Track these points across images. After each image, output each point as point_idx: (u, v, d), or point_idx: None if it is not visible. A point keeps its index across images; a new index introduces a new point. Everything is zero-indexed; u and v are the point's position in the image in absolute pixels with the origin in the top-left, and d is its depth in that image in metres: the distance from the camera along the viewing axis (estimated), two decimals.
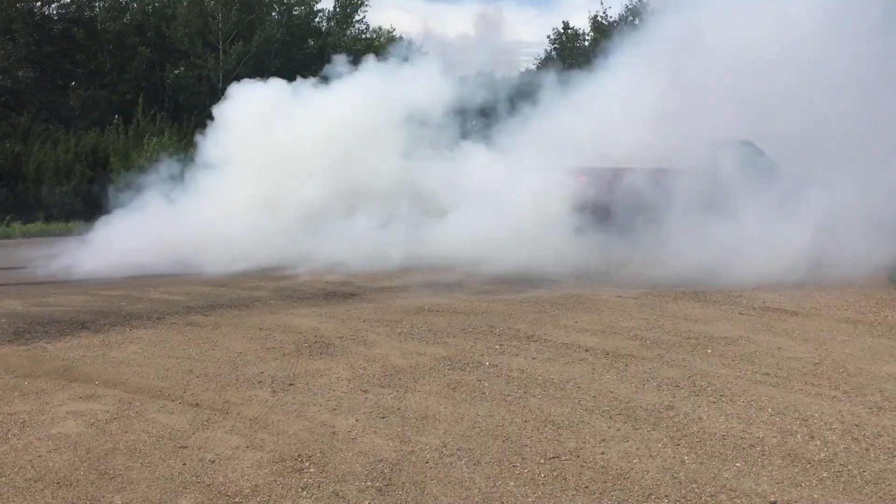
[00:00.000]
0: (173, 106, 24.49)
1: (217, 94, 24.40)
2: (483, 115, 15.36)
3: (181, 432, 4.59)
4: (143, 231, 11.13)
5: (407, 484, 3.93)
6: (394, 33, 41.59)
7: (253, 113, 12.89)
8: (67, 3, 24.81)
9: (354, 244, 10.94)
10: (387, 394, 5.27)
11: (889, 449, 4.36)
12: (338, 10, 28.28)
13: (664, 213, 10.97)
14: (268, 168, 12.27)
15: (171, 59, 24.50)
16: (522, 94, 14.97)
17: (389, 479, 3.97)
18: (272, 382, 5.48)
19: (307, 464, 4.15)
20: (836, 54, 11.57)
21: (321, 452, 4.30)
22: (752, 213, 10.37)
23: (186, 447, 4.38)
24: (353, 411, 4.94)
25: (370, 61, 14.42)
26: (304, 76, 26.13)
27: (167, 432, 4.59)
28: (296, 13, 26.36)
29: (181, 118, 23.20)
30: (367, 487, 3.89)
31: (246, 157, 12.37)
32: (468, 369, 5.83)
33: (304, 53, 26.12)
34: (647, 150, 12.33)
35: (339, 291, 8.65)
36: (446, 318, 7.44)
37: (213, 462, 4.18)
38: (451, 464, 4.18)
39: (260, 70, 25.33)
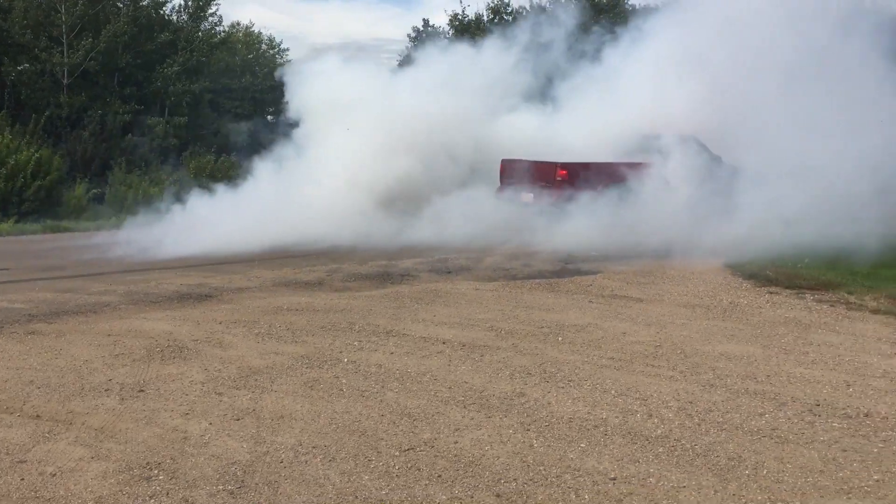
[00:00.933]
0: (14, 104, 23.00)
1: (62, 91, 23.14)
2: None
3: (20, 446, 4.37)
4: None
5: (260, 485, 3.91)
6: (252, 28, 40.69)
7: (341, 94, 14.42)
8: None
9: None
10: (242, 395, 5.20)
11: (719, 423, 4.70)
12: (189, 2, 27.36)
13: (621, 201, 12.38)
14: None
15: (11, 54, 22.98)
16: None
17: (242, 482, 3.94)
18: (121, 390, 5.29)
19: (156, 471, 4.05)
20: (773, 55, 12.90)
21: (171, 459, 4.20)
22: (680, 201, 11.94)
23: (25, 461, 4.18)
24: (207, 415, 4.84)
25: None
26: (158, 69, 25.11)
27: (4, 447, 4.35)
28: (143, 3, 25.28)
29: (24, 116, 21.80)
30: (219, 491, 3.84)
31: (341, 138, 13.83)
32: (326, 367, 5.83)
33: (155, 45, 25.12)
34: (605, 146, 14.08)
35: (194, 293, 8.42)
36: (305, 316, 7.40)
37: (53, 475, 4.01)
38: (307, 462, 4.19)
39: (109, 65, 24.16)
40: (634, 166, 13.52)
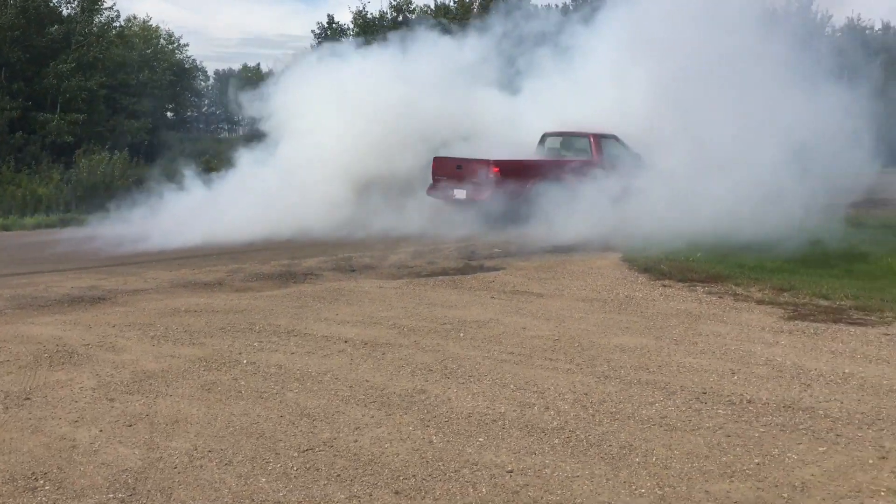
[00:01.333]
0: None
1: None
2: None
3: None
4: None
5: (153, 492, 3.81)
6: (150, 23, 39.46)
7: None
8: None
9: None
10: (135, 400, 5.06)
11: (611, 413, 4.85)
12: None
13: (548, 197, 13.03)
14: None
15: None
16: None
17: (134, 489, 3.83)
18: (5, 398, 5.06)
19: (42, 481, 3.90)
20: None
21: (58, 468, 4.05)
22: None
23: None
24: (97, 422, 4.69)
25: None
26: (51, 64, 24.06)
27: None
28: None
29: None
30: (109, 500, 3.73)
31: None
32: (225, 369, 5.73)
33: (46, 39, 24.12)
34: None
35: (86, 296, 8.12)
36: (204, 317, 7.24)
37: None
38: (202, 466, 4.11)
39: None
40: (563, 163, 14.31)
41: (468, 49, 16.67)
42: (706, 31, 13.77)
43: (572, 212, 12.61)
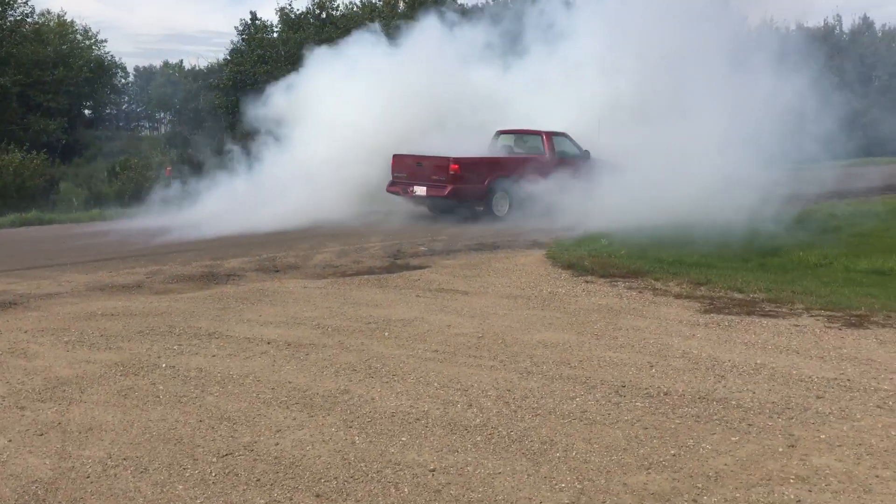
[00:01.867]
0: None
1: None
2: None
3: None
4: None
5: (63, 502, 3.69)
6: (65, 18, 38.19)
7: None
8: None
9: None
10: (47, 408, 4.89)
11: (533, 409, 4.91)
12: None
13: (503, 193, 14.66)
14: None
15: None
16: None
17: (44, 500, 3.71)
18: None
19: None
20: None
21: None
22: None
23: None
24: (6, 431, 4.53)
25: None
26: None
27: None
28: None
29: None
30: None
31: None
32: (142, 373, 5.59)
33: None
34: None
35: None
36: (122, 321, 7.05)
37: None
38: (116, 475, 4.00)
39: None
40: (518, 160, 15.43)
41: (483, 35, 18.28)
42: (666, 25, 15.19)
43: (531, 205, 14.14)
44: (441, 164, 14.35)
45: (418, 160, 14.88)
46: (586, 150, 15.68)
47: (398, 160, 15.18)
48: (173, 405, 4.97)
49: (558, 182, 14.31)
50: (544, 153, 15.56)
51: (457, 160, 14.31)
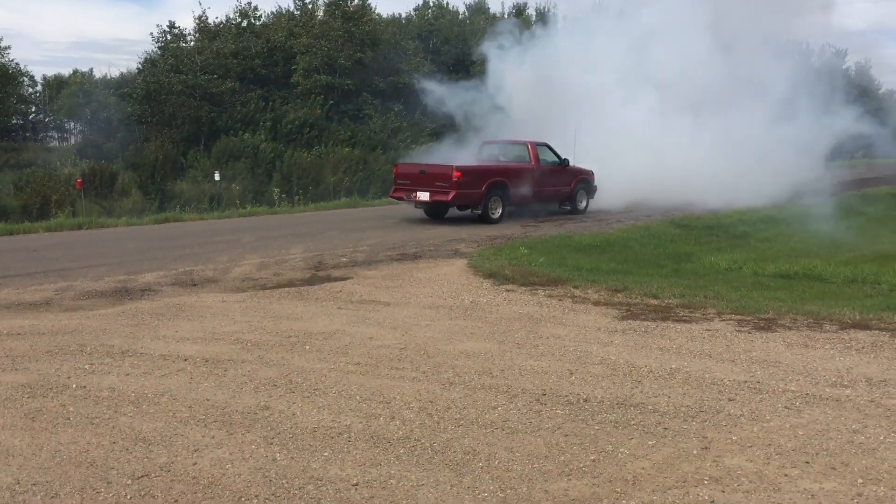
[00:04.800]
0: None
1: None
2: None
3: None
4: None
5: None
6: None
7: None
8: None
9: None
10: None
11: (456, 419, 4.93)
12: None
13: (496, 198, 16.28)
14: None
15: None
16: None
17: None
18: None
19: None
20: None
21: None
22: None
23: None
24: None
25: None
26: None
27: None
28: None
29: None
30: None
31: None
32: (51, 395, 5.38)
33: None
34: None
35: None
36: (28, 340, 6.77)
37: None
38: (25, 501, 3.85)
39: None
40: (509, 168, 16.94)
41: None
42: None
43: (520, 208, 17.17)
44: (444, 171, 15.75)
45: (420, 168, 16.41)
46: (566, 159, 17.62)
47: (401, 168, 16.85)
48: (85, 427, 4.80)
49: (537, 184, 16.96)
50: (530, 161, 17.16)
51: (459, 168, 15.70)
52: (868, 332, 6.98)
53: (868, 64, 45.85)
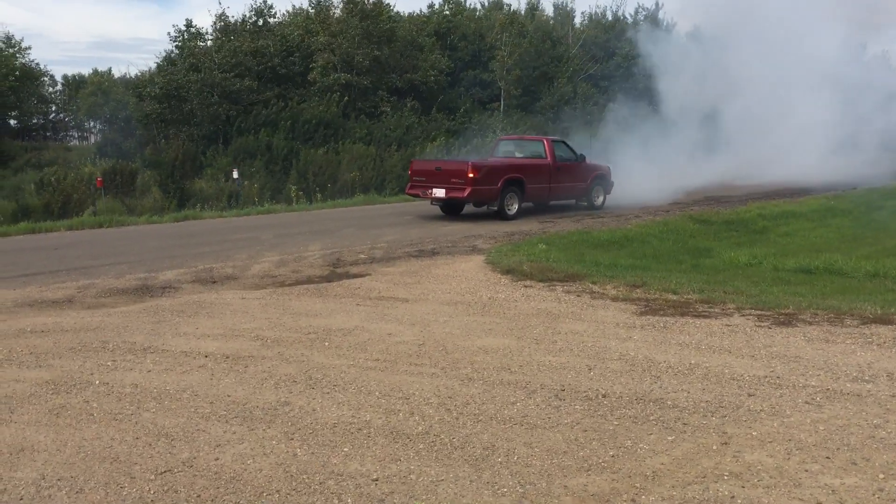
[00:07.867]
0: None
1: None
2: None
3: None
4: None
5: None
6: None
7: None
8: None
9: None
10: None
11: (475, 415, 4.94)
12: None
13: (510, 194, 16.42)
14: None
15: None
16: None
17: None
18: None
19: None
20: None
21: None
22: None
23: None
24: None
25: None
26: None
27: None
28: None
29: None
30: None
31: None
32: (75, 391, 5.45)
33: None
34: None
35: None
36: (52, 338, 6.86)
37: None
38: (50, 496, 3.90)
39: None
40: (525, 164, 17.13)
41: None
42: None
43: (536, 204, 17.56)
44: (460, 168, 16.01)
45: (436, 165, 16.76)
46: (582, 154, 17.97)
47: (417, 165, 17.15)
48: (108, 423, 4.86)
49: (558, 183, 17.35)
50: (546, 157, 17.26)
51: (474, 165, 15.96)
52: (890, 326, 6.93)
53: None
